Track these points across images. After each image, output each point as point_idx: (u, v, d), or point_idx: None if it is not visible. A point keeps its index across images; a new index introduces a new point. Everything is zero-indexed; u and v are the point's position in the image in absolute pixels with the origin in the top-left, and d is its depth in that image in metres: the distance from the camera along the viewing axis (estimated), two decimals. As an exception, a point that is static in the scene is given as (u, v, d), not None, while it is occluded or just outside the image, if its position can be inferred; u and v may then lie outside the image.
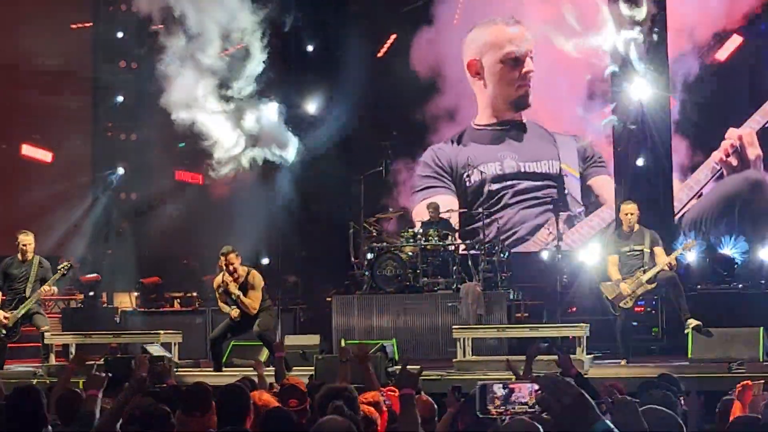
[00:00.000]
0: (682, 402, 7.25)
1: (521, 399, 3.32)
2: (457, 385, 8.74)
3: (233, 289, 14.08)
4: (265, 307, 14.31)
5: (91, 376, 6.66)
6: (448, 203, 19.40)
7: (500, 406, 3.36)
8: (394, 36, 21.18)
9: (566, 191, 19.90)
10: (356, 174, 18.97)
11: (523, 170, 19.90)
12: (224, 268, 14.12)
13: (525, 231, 20.03)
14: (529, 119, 20.16)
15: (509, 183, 20.11)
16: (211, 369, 14.45)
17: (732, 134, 18.19)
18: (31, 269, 14.60)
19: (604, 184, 19.49)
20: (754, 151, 18.12)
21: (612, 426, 2.99)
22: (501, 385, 3.37)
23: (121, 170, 21.86)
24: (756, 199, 18.32)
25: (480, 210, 18.31)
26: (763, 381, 7.32)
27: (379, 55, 21.32)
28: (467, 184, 19.81)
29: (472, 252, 17.50)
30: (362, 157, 20.29)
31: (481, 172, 19.45)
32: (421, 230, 17.41)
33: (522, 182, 20.00)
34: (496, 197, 20.08)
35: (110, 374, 8.37)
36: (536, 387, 3.10)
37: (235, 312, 14.07)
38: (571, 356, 13.44)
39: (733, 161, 18.36)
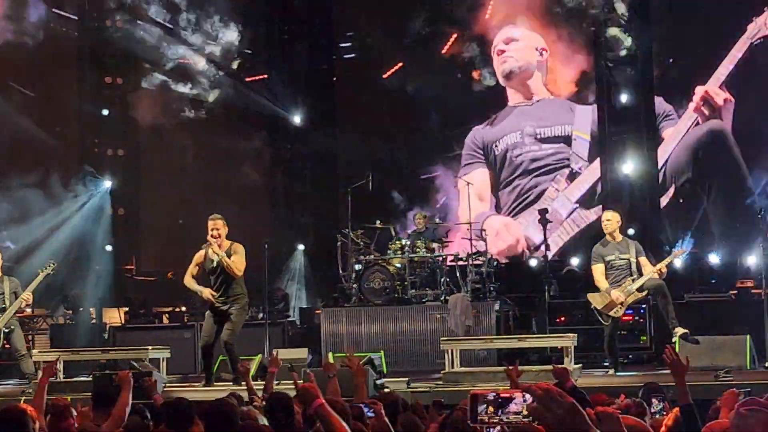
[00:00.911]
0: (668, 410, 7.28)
1: (514, 409, 3.31)
2: (439, 399, 8.74)
3: (216, 249, 13.57)
4: (240, 296, 13.80)
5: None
6: (482, 176, 20.74)
7: (493, 416, 3.35)
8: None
9: (572, 152, 21.04)
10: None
11: (539, 137, 21.23)
12: (209, 233, 13.81)
13: (535, 195, 21.33)
14: (550, 92, 21.60)
15: (527, 149, 21.35)
16: (199, 384, 14.40)
17: (699, 90, 20.18)
18: (3, 286, 14.55)
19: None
20: (721, 98, 20.08)
21: None
22: (493, 395, 3.37)
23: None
24: (716, 145, 20.16)
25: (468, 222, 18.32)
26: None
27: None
28: (495, 154, 21.31)
29: (460, 263, 17.51)
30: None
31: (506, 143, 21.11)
32: (408, 242, 17.41)
33: (537, 148, 21.28)
34: (517, 164, 21.39)
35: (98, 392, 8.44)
36: (528, 397, 3.11)
37: (206, 292, 13.82)
38: (560, 366, 13.57)
39: (706, 111, 20.27)
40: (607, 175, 19.18)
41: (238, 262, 13.63)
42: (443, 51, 22.45)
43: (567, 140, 21.32)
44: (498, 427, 3.57)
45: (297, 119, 22.36)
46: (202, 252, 13.88)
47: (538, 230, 19.11)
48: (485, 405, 3.33)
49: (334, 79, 23.41)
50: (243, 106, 22.05)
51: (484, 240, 18.26)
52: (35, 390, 9.22)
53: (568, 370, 8.62)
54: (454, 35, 22.28)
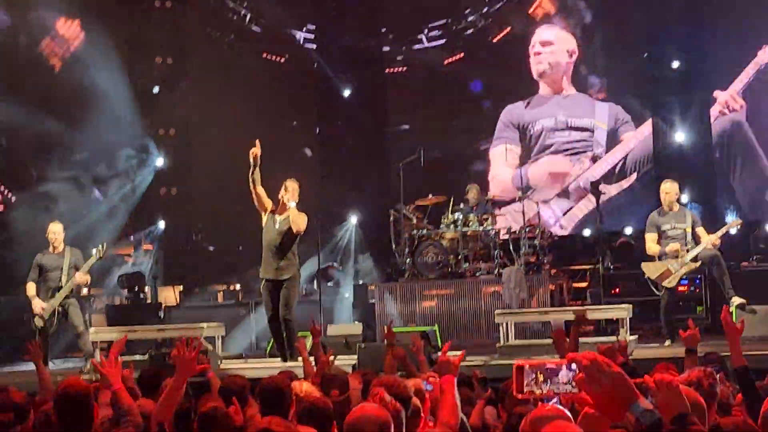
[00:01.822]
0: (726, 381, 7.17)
1: (562, 379, 3.27)
2: (483, 375, 8.71)
3: (286, 200, 13.40)
4: (292, 266, 13.62)
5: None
6: (515, 150, 21.42)
7: (540, 387, 3.31)
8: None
9: (594, 139, 22.09)
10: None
11: (569, 124, 22.22)
12: (286, 195, 13.48)
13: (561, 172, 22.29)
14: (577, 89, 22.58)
15: (559, 133, 22.22)
16: (256, 360, 14.47)
17: (720, 95, 20.87)
18: (63, 259, 14.58)
19: (627, 137, 21.99)
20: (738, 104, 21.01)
21: (651, 406, 2.97)
22: (540, 365, 3.33)
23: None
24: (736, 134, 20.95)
25: (520, 195, 18.24)
26: None
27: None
28: (530, 133, 22.12)
29: (513, 236, 17.46)
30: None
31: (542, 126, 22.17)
32: (461, 215, 17.37)
33: (567, 133, 22.20)
34: (548, 145, 22.16)
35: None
36: (575, 367, 3.07)
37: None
38: (615, 337, 13.49)
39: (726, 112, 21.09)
40: (661, 146, 19.28)
41: (301, 218, 13.51)
42: (494, 39, 22.64)
43: (590, 129, 22.15)
44: (556, 398, 3.54)
45: (347, 92, 22.37)
46: (271, 205, 13.78)
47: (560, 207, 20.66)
48: (532, 376, 3.29)
49: (385, 49, 23.37)
50: (296, 79, 22.17)
51: (538, 213, 18.20)
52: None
53: (615, 349, 8.50)
54: (508, 28, 22.65)
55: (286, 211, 13.41)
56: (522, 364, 3.34)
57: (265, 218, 13.59)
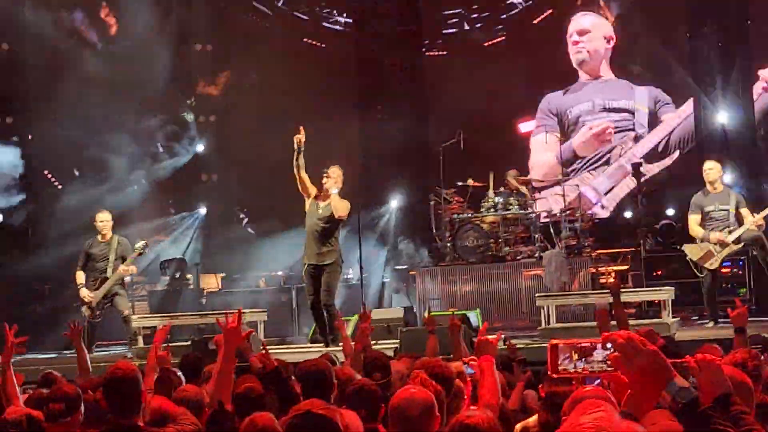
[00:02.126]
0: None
1: (595, 358, 3.26)
2: (522, 357, 8.70)
3: (329, 186, 13.49)
4: (333, 252, 13.69)
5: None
6: (555, 137, 20.83)
7: (575, 366, 3.30)
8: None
9: (635, 120, 22.16)
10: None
11: (607, 107, 22.30)
12: (328, 181, 13.58)
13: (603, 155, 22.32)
14: (615, 74, 22.71)
15: (597, 117, 22.31)
16: (297, 345, 14.52)
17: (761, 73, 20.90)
18: (110, 248, 14.66)
19: (668, 117, 22.01)
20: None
21: (688, 385, 2.95)
22: (575, 345, 3.32)
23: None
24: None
25: (562, 175, 18.17)
26: None
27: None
28: (568, 119, 22.27)
29: (554, 219, 17.41)
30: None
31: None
32: (501, 199, 17.33)
33: (606, 116, 22.21)
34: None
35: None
36: (610, 346, 3.05)
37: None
38: (658, 320, 13.45)
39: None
40: (703, 126, 19.18)
41: (344, 205, 13.55)
42: (536, 22, 22.70)
43: (630, 111, 22.17)
44: (598, 380, 3.52)
45: (387, 77, 22.33)
46: (310, 199, 13.76)
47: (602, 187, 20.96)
48: (567, 355, 3.28)
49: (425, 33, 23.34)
50: (336, 65, 22.18)
51: (579, 194, 18.14)
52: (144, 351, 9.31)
53: (654, 331, 8.45)
54: (549, 10, 22.69)
55: (329, 197, 13.43)
56: (557, 344, 3.33)
57: (308, 204, 13.63)
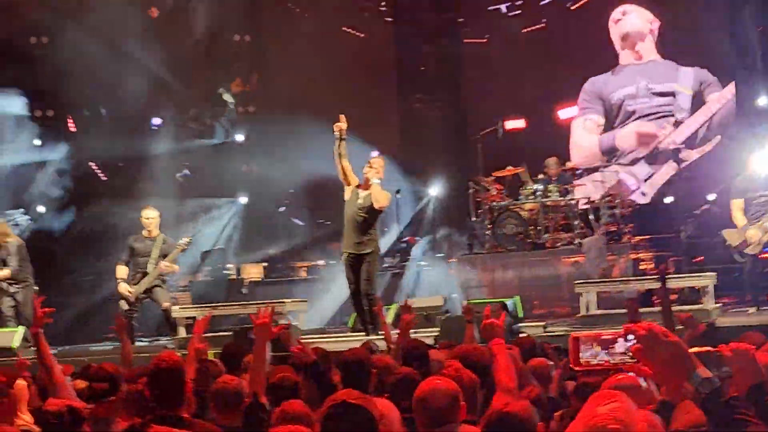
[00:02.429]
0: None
1: (619, 350, 3.27)
2: (558, 344, 8.70)
3: (370, 176, 13.34)
4: (372, 240, 13.63)
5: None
6: (598, 121, 21.25)
7: (596, 358, 3.31)
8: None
9: (677, 104, 21.88)
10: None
11: (651, 91, 22.13)
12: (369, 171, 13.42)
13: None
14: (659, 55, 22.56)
15: (640, 100, 22.05)
16: (337, 335, 14.57)
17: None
18: (154, 245, 14.75)
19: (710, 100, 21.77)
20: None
21: (711, 375, 2.95)
22: (596, 337, 3.33)
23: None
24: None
25: (602, 162, 18.14)
26: None
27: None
28: (612, 103, 22.08)
29: (593, 205, 17.37)
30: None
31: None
32: (540, 186, 17.31)
33: (649, 101, 22.03)
34: (630, 112, 22.03)
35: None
36: (632, 338, 3.06)
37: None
38: (699, 306, 13.40)
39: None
40: (744, 109, 19.10)
41: (384, 195, 13.56)
42: (574, 8, 22.62)
43: (673, 95, 21.89)
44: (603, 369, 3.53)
45: (426, 64, 22.35)
46: (356, 180, 13.82)
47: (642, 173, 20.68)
48: (588, 347, 3.29)
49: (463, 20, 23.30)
50: (375, 53, 22.23)
51: (619, 181, 18.10)
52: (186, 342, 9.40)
53: (693, 317, 8.42)
54: None
55: (370, 187, 13.45)
56: (578, 336, 3.35)
57: (348, 192, 13.64)
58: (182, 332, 14.96)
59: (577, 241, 16.72)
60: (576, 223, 16.98)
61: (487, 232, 17.34)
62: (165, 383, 5.93)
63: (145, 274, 14.63)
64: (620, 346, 3.23)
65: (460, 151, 21.06)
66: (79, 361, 11.70)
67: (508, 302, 13.84)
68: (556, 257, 16.72)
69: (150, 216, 14.85)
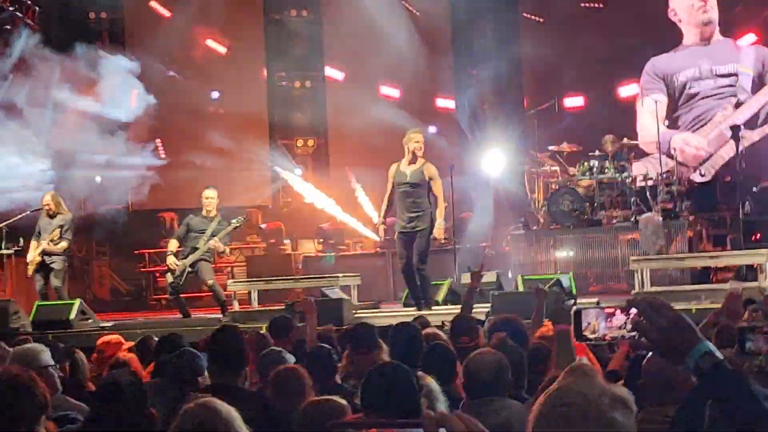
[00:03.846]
0: None
1: (617, 323, 3.23)
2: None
3: (417, 149, 13.26)
4: (428, 214, 13.45)
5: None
6: (662, 102, 20.57)
7: (596, 332, 3.28)
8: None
9: (739, 85, 21.64)
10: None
11: (714, 72, 21.86)
12: (410, 146, 13.39)
13: (705, 121, 21.81)
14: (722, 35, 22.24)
15: (703, 82, 21.80)
16: (390, 309, 14.59)
17: None
18: (209, 224, 14.83)
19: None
20: None
21: (713, 349, 2.89)
22: (597, 311, 3.29)
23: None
24: None
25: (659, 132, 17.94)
26: None
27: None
28: (675, 84, 21.77)
29: (650, 183, 17.22)
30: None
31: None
32: (597, 163, 17.18)
33: (712, 81, 21.80)
34: (693, 94, 21.76)
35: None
36: (634, 310, 3.01)
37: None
38: (755, 284, 13.25)
39: None
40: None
41: (439, 188, 13.45)
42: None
43: (735, 75, 21.63)
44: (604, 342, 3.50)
45: (481, 41, 22.23)
46: (396, 165, 13.77)
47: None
48: (588, 321, 3.26)
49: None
50: (431, 30, 22.15)
51: (675, 159, 17.89)
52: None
53: (739, 294, 8.26)
54: None
55: (416, 162, 13.41)
56: (580, 309, 3.32)
57: (393, 170, 13.62)
58: (236, 306, 15.07)
59: (633, 218, 16.59)
60: (632, 200, 16.86)
61: (542, 209, 17.25)
62: (222, 354, 6.00)
63: (195, 249, 14.73)
64: (618, 319, 3.19)
65: (516, 127, 20.91)
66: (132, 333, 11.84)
67: (562, 278, 13.79)
68: (612, 234, 16.61)
69: (209, 196, 14.98)
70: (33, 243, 15.20)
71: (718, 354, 2.86)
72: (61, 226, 15.11)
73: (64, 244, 15.13)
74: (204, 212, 14.96)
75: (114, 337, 8.79)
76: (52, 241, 15.00)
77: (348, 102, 21.55)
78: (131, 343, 8.90)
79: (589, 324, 3.26)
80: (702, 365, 2.85)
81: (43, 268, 15.13)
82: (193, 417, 3.43)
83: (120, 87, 19.10)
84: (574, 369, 2.71)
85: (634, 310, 2.99)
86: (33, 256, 15.10)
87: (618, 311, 3.21)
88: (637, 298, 3.00)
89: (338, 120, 22.56)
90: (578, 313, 3.29)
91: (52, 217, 15.19)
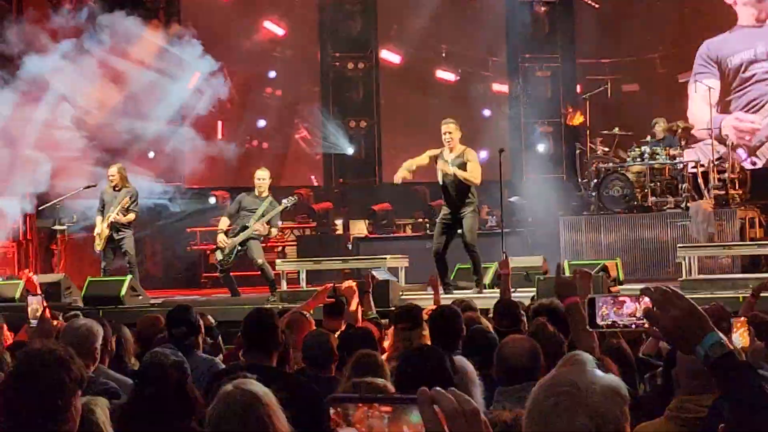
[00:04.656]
0: None
1: (629, 312, 3.26)
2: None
3: (460, 173, 13.34)
4: (473, 202, 13.62)
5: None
6: (714, 86, 20.05)
7: (608, 319, 3.31)
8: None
9: None
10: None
11: None
12: (442, 137, 13.58)
13: (760, 105, 21.41)
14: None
15: (758, 65, 21.40)
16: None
17: None
18: (261, 205, 14.94)
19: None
20: None
21: (724, 339, 2.89)
22: (610, 298, 3.33)
23: None
24: None
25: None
26: None
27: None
28: (729, 67, 21.40)
29: (702, 169, 17.12)
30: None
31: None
32: (648, 148, 17.11)
33: (767, 63, 21.41)
34: (747, 77, 21.44)
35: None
36: (646, 299, 3.03)
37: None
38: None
39: None
40: None
41: (474, 171, 13.49)
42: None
43: None
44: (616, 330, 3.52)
45: (535, 27, 22.16)
46: (437, 151, 13.82)
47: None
48: (601, 309, 3.30)
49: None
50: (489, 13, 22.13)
51: (727, 146, 17.78)
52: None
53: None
54: None
55: (455, 150, 13.49)
56: (593, 298, 3.36)
57: (435, 152, 13.71)
58: (284, 285, 15.19)
59: (684, 204, 16.52)
60: (683, 186, 16.77)
61: (593, 194, 17.22)
62: (255, 334, 6.10)
63: (245, 228, 14.86)
64: (628, 307, 3.23)
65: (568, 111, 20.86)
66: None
67: (608, 264, 13.77)
68: (662, 220, 16.54)
69: (261, 177, 15.07)
70: (98, 218, 15.36)
71: (728, 344, 2.89)
72: (129, 197, 15.30)
73: (132, 216, 15.33)
74: (256, 192, 15.07)
75: (155, 316, 8.90)
76: (121, 211, 15.17)
77: (402, 84, 21.63)
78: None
79: (601, 312, 3.31)
80: (711, 355, 2.87)
81: (112, 242, 15.36)
82: (232, 400, 3.50)
83: (184, 67, 19.31)
84: (569, 358, 2.74)
85: (646, 299, 3.01)
86: (101, 229, 15.28)
87: (629, 299, 3.25)
88: (649, 288, 3.01)
89: (391, 102, 22.63)
90: (592, 300, 3.34)
91: (117, 190, 15.39)
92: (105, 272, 15.33)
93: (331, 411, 1.92)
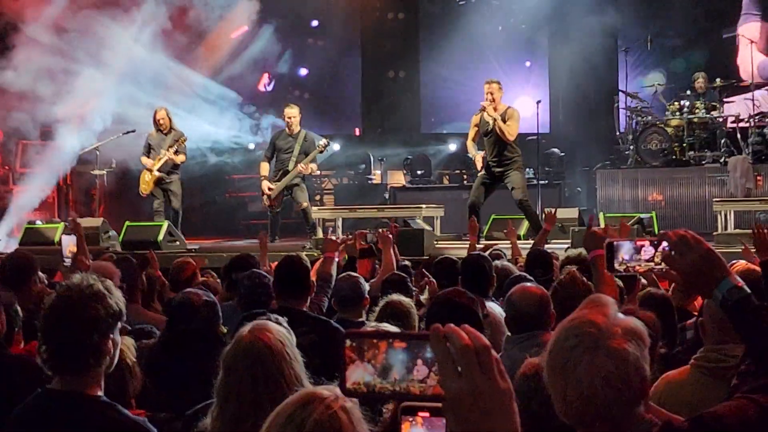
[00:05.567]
0: None
1: (647, 256, 3.29)
2: None
3: (491, 112, 13.39)
4: (516, 159, 13.64)
5: (327, 240, 7.54)
6: (753, 29, 19.65)
7: (626, 263, 3.34)
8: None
9: None
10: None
11: None
12: (485, 96, 13.56)
13: None
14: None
15: None
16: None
17: None
18: (296, 142, 14.98)
19: None
20: None
21: (741, 284, 2.91)
22: (628, 243, 3.36)
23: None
24: None
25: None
26: None
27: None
28: None
29: (741, 124, 17.00)
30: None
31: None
32: (687, 102, 16.99)
33: None
34: None
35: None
36: (665, 244, 3.05)
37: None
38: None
39: None
40: None
41: (511, 127, 13.47)
42: None
43: None
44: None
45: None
46: (478, 115, 13.85)
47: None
48: (619, 253, 3.32)
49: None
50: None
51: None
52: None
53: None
54: None
55: (499, 108, 13.48)
56: (612, 242, 3.38)
57: (476, 119, 13.71)
58: (320, 233, 15.26)
59: (722, 159, 16.43)
60: (723, 141, 16.67)
61: (631, 147, 17.15)
62: (287, 278, 6.20)
63: (286, 172, 14.91)
64: (646, 252, 3.26)
65: (606, 64, 20.67)
66: (218, 257, 12.14)
67: (644, 217, 13.76)
68: (700, 175, 16.46)
69: (291, 114, 15.07)
70: (146, 161, 15.42)
71: (746, 288, 2.92)
72: (178, 140, 15.40)
73: (182, 157, 15.43)
74: (287, 130, 15.10)
75: (185, 259, 8.97)
76: (172, 147, 15.26)
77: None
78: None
79: (620, 256, 3.34)
80: (729, 298, 2.90)
81: (160, 185, 15.47)
82: (242, 347, 3.55)
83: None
84: (591, 300, 2.78)
85: (664, 244, 3.04)
86: (150, 173, 15.37)
87: (647, 244, 3.28)
88: (668, 232, 3.03)
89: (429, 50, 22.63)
90: (611, 245, 3.37)
91: (165, 133, 15.48)
92: (157, 216, 15.39)
93: (347, 345, 1.97)
